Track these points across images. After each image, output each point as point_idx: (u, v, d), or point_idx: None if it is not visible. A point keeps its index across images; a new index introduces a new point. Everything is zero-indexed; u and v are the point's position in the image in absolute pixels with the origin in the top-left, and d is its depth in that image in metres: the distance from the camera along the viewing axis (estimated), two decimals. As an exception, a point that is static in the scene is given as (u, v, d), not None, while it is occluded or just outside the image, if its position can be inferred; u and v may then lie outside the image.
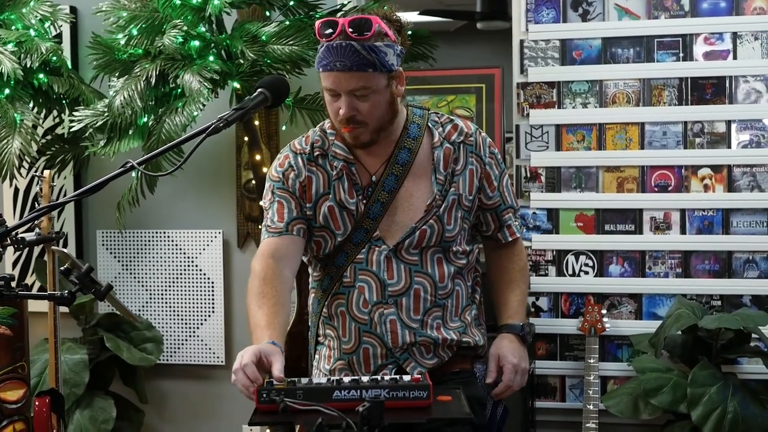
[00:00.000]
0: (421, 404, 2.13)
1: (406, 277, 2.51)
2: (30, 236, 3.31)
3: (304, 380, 2.20)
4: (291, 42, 3.71)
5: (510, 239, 2.70)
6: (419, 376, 2.23)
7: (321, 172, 2.55)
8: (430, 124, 2.58)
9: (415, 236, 2.50)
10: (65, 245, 4.49)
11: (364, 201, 2.51)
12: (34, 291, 4.39)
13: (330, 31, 2.38)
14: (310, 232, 2.56)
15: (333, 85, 2.42)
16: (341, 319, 2.55)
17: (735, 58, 3.95)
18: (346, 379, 2.20)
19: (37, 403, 3.41)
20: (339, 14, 3.72)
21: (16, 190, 4.63)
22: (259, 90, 2.37)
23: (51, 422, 3.41)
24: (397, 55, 2.44)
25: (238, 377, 2.21)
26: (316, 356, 2.65)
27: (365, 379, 2.22)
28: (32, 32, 4.07)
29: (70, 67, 4.23)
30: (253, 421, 2.12)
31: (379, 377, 2.24)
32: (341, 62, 2.37)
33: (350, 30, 2.36)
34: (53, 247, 3.50)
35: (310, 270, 2.67)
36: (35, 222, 3.38)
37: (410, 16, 7.12)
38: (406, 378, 2.21)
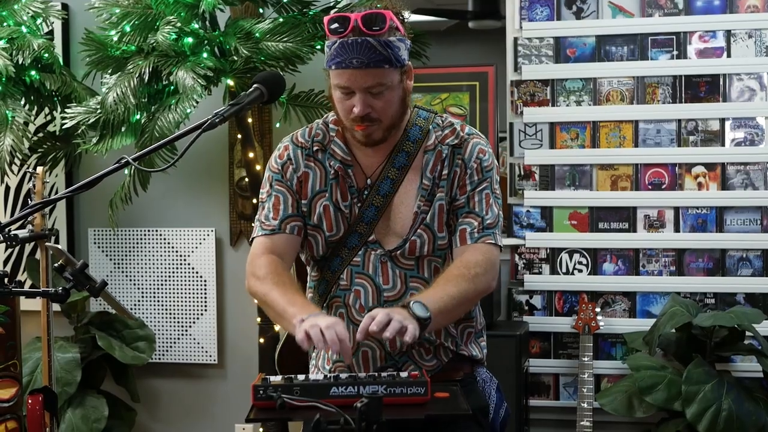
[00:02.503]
0: (419, 401, 2.12)
1: (401, 283, 2.46)
2: (23, 233, 3.31)
3: (301, 377, 2.19)
4: (285, 39, 3.71)
5: (459, 245, 2.45)
6: (417, 372, 2.21)
7: (319, 168, 2.50)
8: (431, 127, 2.50)
9: (406, 248, 2.45)
10: (56, 243, 4.47)
11: (359, 204, 2.47)
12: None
13: (338, 26, 2.32)
14: (305, 229, 2.52)
15: (348, 83, 2.34)
16: None
17: (729, 56, 3.95)
18: (344, 376, 2.18)
19: (30, 401, 3.39)
20: (333, 11, 3.71)
21: (7, 188, 4.60)
22: (255, 85, 2.34)
23: (44, 420, 3.39)
24: (407, 49, 2.39)
25: (328, 334, 2.16)
26: (315, 354, 2.63)
27: (363, 375, 2.20)
28: (24, 29, 4.06)
29: (62, 63, 4.21)
30: (250, 418, 2.10)
31: (376, 374, 2.23)
32: (358, 59, 2.30)
33: (364, 25, 2.30)
34: (47, 244, 3.48)
35: (308, 269, 2.64)
36: (28, 219, 3.37)
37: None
38: (404, 375, 2.20)
